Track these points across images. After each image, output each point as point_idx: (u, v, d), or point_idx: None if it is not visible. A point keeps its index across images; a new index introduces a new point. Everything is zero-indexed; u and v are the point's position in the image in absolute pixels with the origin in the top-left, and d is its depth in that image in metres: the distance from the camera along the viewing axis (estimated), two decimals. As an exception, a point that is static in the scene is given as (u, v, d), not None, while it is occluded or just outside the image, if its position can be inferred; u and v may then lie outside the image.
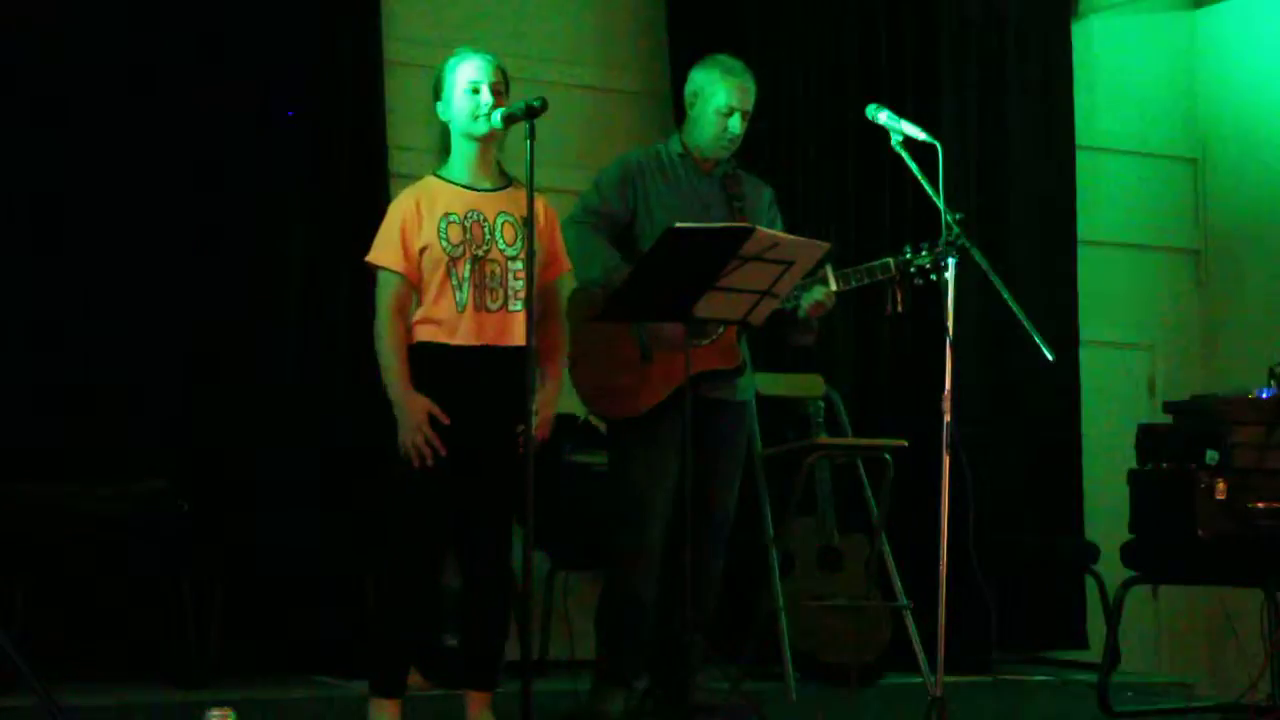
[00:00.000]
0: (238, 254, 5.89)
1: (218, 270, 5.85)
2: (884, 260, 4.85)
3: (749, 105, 4.94)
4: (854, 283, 4.87)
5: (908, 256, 4.80)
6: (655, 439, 4.79)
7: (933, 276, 4.80)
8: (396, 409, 4.26)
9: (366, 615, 5.46)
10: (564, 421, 5.92)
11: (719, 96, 4.91)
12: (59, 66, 5.65)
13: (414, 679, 4.46)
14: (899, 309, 4.85)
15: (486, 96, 4.32)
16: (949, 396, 4.35)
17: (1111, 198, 7.86)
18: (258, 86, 5.96)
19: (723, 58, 4.99)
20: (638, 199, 4.91)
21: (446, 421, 4.23)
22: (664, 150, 5.02)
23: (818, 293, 4.82)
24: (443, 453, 4.22)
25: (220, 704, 3.99)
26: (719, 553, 4.94)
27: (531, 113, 4.16)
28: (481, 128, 4.32)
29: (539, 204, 4.23)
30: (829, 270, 4.81)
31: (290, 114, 6.00)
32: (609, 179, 4.95)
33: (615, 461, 4.97)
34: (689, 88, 4.99)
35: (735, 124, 4.91)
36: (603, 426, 5.18)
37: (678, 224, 4.32)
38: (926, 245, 4.82)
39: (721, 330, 4.81)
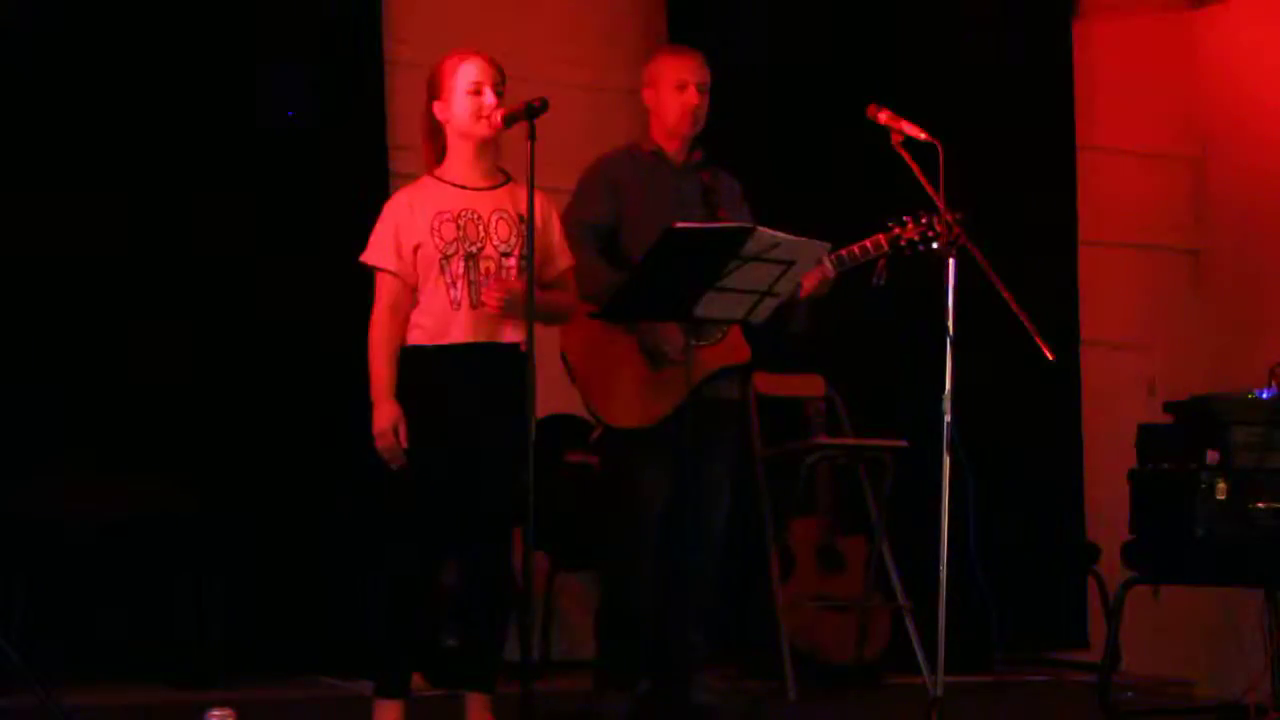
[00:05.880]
0: (238, 254, 5.89)
1: (218, 270, 5.85)
2: (875, 238, 4.88)
3: (702, 79, 4.94)
4: (849, 263, 4.89)
5: (896, 232, 4.86)
6: (661, 449, 4.74)
7: (920, 248, 4.84)
8: (374, 410, 4.28)
9: (367, 616, 5.45)
10: (563, 421, 5.92)
11: (668, 73, 4.92)
12: (58, 66, 5.65)
13: (414, 680, 4.45)
14: (881, 281, 4.88)
15: (489, 98, 4.32)
16: (949, 396, 4.35)
17: (1111, 198, 7.86)
18: (258, 86, 5.96)
19: (666, 45, 4.97)
20: (620, 204, 4.87)
21: (404, 445, 4.23)
22: (637, 151, 4.98)
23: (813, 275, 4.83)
24: (401, 463, 4.24)
25: (220, 704, 3.99)
26: (716, 554, 4.92)
27: (532, 113, 4.17)
28: (484, 129, 4.32)
29: (538, 199, 4.22)
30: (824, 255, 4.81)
31: (290, 114, 6.00)
32: (590, 189, 4.91)
33: (615, 469, 4.91)
34: (644, 86, 4.98)
35: (692, 94, 4.91)
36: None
37: (677, 224, 4.30)
38: (914, 218, 4.86)
39: (726, 327, 4.80)
